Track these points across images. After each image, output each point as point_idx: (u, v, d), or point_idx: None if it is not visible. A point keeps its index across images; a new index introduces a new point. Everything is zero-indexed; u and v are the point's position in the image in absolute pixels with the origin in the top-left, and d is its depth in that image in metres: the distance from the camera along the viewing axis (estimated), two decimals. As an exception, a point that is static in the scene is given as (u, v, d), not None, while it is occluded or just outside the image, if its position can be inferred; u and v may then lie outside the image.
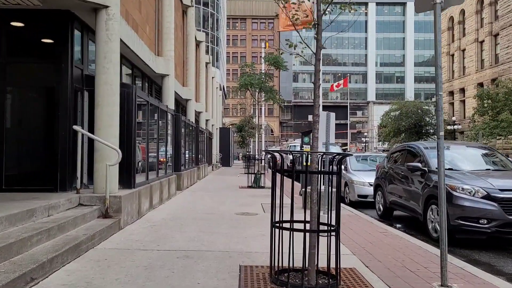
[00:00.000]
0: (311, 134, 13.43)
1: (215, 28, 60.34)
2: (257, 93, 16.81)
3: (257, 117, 22.31)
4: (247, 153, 56.12)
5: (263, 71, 16.95)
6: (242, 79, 16.13)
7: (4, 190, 7.10)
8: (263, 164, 17.54)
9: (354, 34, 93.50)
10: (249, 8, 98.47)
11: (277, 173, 4.85)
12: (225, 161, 40.56)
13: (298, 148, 28.96)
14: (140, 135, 9.27)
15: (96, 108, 7.16)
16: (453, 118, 43.92)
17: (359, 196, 11.65)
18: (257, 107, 17.15)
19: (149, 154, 9.77)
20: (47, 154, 7.31)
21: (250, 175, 16.70)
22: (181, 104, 20.44)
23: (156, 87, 14.71)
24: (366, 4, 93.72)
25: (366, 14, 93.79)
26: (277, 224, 4.49)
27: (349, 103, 79.45)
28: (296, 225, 4.44)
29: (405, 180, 8.72)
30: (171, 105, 13.07)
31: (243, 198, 12.41)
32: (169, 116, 12.46)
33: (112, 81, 7.14)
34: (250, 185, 16.55)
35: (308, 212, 4.60)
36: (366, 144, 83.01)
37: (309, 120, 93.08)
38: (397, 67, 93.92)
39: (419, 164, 8.11)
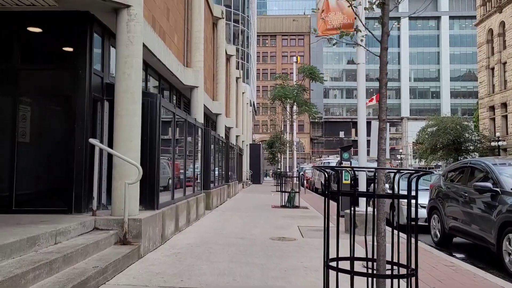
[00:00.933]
0: (351, 149, 12.30)
1: (246, 44, 60.18)
2: (289, 106, 15.83)
3: (292, 132, 21.29)
4: (279, 170, 55.00)
5: (295, 83, 15.98)
6: (275, 91, 15.23)
7: (14, 211, 6.36)
8: (295, 181, 16.43)
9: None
10: (279, 25, 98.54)
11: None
12: (256, 178, 39.59)
13: (333, 165, 27.72)
14: (165, 150, 8.44)
15: (115, 119, 6.36)
16: (497, 134, 41.46)
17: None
18: (290, 120, 16.15)
19: (175, 171, 8.93)
20: (61, 171, 6.54)
21: (283, 193, 15.64)
22: (211, 119, 19.71)
23: (185, 100, 13.99)
24: (398, 18, 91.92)
25: (398, 28, 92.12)
26: (333, 264, 3.43)
27: (382, 119, 77.35)
28: (357, 265, 3.36)
29: (470, 203, 7.50)
30: (200, 119, 12.27)
31: (278, 220, 11.36)
32: (198, 131, 11.64)
33: (133, 89, 6.34)
34: (283, 204, 15.49)
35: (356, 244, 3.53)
36: (401, 161, 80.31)
37: (340, 136, 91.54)
38: (432, 82, 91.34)
39: (489, 185, 6.89)
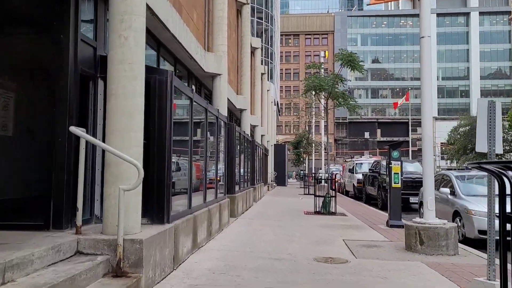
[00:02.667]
0: (400, 147, 10.27)
1: (270, 42, 58.41)
2: (323, 99, 13.88)
3: (326, 128, 19.32)
4: (302, 171, 52.93)
5: (331, 73, 14.00)
6: (309, 81, 13.31)
7: (-25, 225, 4.68)
8: (327, 184, 14.50)
9: (413, 47, 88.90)
10: (302, 24, 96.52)
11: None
12: (280, 180, 37.70)
13: (365, 167, 25.48)
14: (180, 146, 6.67)
15: (108, 101, 4.63)
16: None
17: (480, 232, 8.33)
18: (325, 115, 14.17)
19: (193, 173, 7.16)
20: (36, 173, 4.84)
21: (317, 198, 13.72)
22: (234, 116, 17.96)
23: (206, 92, 12.25)
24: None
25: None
26: None
27: (410, 119, 74.50)
28: None
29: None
30: (224, 112, 10.51)
31: (316, 231, 9.47)
32: (221, 125, 9.87)
33: (133, 59, 4.59)
34: (317, 210, 13.57)
35: None
36: (430, 162, 76.82)
37: (365, 137, 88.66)
38: (461, 81, 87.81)
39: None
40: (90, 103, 5.29)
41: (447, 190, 9.75)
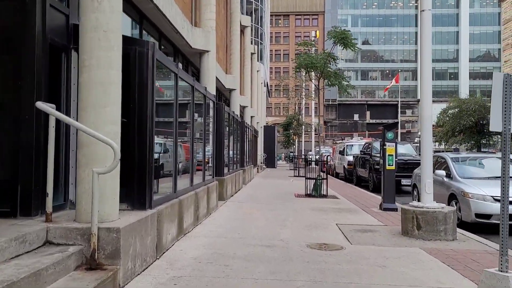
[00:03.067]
0: (395, 128, 9.91)
1: (260, 23, 57.36)
2: (315, 78, 13.40)
3: (318, 108, 18.87)
4: (291, 153, 52.58)
5: (324, 51, 13.49)
6: (300, 59, 12.80)
7: None
8: (317, 166, 14.15)
9: (403, 28, 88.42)
10: (292, 4, 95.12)
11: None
12: (270, 162, 37.39)
13: (356, 149, 25.17)
14: (164, 125, 6.21)
15: (80, 73, 4.12)
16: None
17: (477, 215, 8.04)
18: (317, 95, 13.71)
19: (179, 154, 6.71)
20: (2, 154, 4.35)
21: (308, 180, 13.38)
22: (223, 96, 17.45)
23: (194, 70, 11.71)
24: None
25: (416, 7, 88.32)
26: None
27: (399, 101, 74.50)
28: None
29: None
30: (212, 91, 10.01)
31: (308, 214, 9.13)
32: (209, 104, 9.38)
33: (109, 25, 4.08)
34: (308, 193, 13.25)
35: None
36: (418, 144, 77.48)
37: (354, 119, 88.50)
38: (450, 63, 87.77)
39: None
40: (63, 77, 4.78)
41: (442, 172, 9.44)
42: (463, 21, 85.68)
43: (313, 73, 13.28)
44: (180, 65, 10.47)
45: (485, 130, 49.64)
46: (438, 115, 55.87)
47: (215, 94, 10.17)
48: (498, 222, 7.98)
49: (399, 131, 73.32)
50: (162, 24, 8.20)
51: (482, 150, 51.03)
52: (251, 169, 20.27)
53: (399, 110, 77.05)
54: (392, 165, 9.94)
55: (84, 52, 4.07)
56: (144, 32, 7.78)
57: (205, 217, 8.14)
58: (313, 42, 14.46)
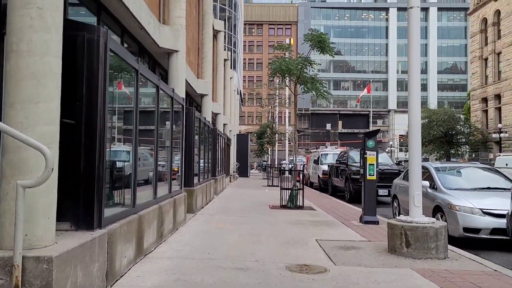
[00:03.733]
0: (376, 136, 9.34)
1: (233, 30, 56.85)
2: (292, 83, 12.76)
3: (286, 118, 18.22)
4: (265, 162, 51.79)
5: (300, 56, 12.87)
6: (275, 64, 12.14)
7: None
8: (291, 176, 13.51)
9: (375, 40, 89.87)
10: (266, 14, 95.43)
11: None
12: (243, 171, 36.59)
13: (331, 158, 24.69)
14: (120, 129, 5.39)
15: (7, 61, 3.28)
16: (499, 125, 39.20)
17: (465, 230, 7.50)
18: (294, 102, 13.05)
19: (141, 162, 5.88)
20: None
21: (284, 191, 12.68)
22: (195, 102, 16.63)
23: (162, 72, 10.87)
24: (387, 9, 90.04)
25: (386, 19, 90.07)
26: None
27: (371, 111, 75.29)
28: None
29: None
30: (181, 93, 9.19)
31: (284, 228, 8.39)
32: (178, 108, 8.57)
33: (44, 3, 3.26)
34: (284, 204, 12.55)
35: None
36: (390, 154, 78.17)
37: (327, 128, 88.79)
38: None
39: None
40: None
41: (426, 183, 8.88)
42: (432, 34, 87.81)
43: (287, 79, 12.59)
44: (146, 66, 9.64)
45: (453, 141, 50.53)
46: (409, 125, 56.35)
47: (184, 97, 9.36)
48: (488, 237, 7.52)
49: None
50: (124, 18, 7.38)
51: (451, 159, 51.88)
52: (223, 178, 19.45)
53: (371, 120, 77.88)
54: (373, 175, 9.35)
55: (13, 34, 3.24)
56: (103, 25, 6.93)
57: (171, 233, 7.29)
58: (290, 45, 13.79)
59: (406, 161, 55.14)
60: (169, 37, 9.23)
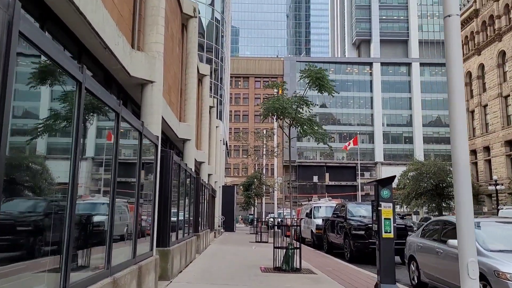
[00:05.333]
0: (392, 184, 7.69)
1: (220, 81, 56.41)
2: (287, 125, 11.24)
3: (275, 166, 16.58)
4: (251, 215, 49.25)
5: (295, 94, 11.42)
6: (268, 103, 10.65)
7: None
8: (280, 231, 11.70)
9: (360, 93, 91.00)
10: (252, 67, 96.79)
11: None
12: (228, 225, 34.39)
13: (324, 210, 22.78)
14: (59, 166, 3.65)
15: None
16: (495, 177, 38.11)
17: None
18: (289, 143, 11.46)
19: (91, 220, 4.09)
20: None
21: (278, 250, 10.78)
22: (176, 148, 14.95)
23: (136, 109, 9.24)
24: (370, 64, 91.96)
25: (370, 74, 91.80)
26: None
27: (359, 163, 74.39)
28: None
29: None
30: (155, 131, 7.53)
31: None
32: (150, 148, 6.88)
33: None
34: (277, 266, 10.62)
35: None
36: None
37: (314, 181, 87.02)
38: (404, 127, 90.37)
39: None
40: None
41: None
42: (415, 88, 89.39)
43: (279, 121, 11.08)
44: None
45: (444, 193, 49.26)
46: (399, 178, 55.37)
47: (159, 137, 7.68)
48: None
49: (359, 193, 72.30)
50: (84, 35, 5.84)
51: (443, 214, 50.34)
52: (207, 234, 17.40)
53: (359, 172, 76.74)
54: (390, 231, 7.62)
55: None
56: (52, 39, 5.34)
57: (133, 315, 5.35)
58: (284, 83, 12.40)
59: (408, 215, 53.51)
60: (143, 64, 7.70)
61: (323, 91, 10.59)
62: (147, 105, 7.88)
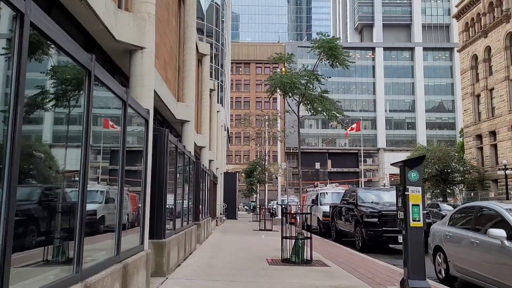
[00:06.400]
0: (421, 165, 6.61)
1: (222, 66, 55.12)
2: (295, 102, 10.12)
3: (278, 151, 15.51)
4: (253, 202, 48.24)
5: (305, 67, 10.24)
6: (275, 78, 9.50)
7: None
8: (298, 220, 10.69)
9: (362, 79, 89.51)
10: (253, 53, 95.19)
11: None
12: (230, 212, 33.44)
13: (330, 197, 21.75)
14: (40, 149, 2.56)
15: None
16: (504, 161, 37.01)
17: None
18: (297, 125, 10.35)
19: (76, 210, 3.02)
20: None
21: (286, 240, 9.77)
22: (174, 130, 13.86)
23: (124, 82, 8.13)
24: (373, 49, 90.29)
25: (373, 59, 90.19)
26: None
27: (362, 149, 73.31)
28: None
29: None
30: (147, 105, 6.44)
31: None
32: (142, 126, 5.81)
33: None
34: (286, 257, 9.63)
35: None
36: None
37: (316, 167, 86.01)
38: (407, 113, 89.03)
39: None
40: None
41: (501, 232, 6.12)
42: (418, 73, 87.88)
43: (288, 96, 9.95)
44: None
45: (449, 179, 48.25)
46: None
47: (151, 111, 6.60)
48: None
49: (362, 179, 71.30)
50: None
51: (447, 199, 49.39)
52: (208, 222, 16.42)
53: (362, 158, 75.70)
54: (419, 220, 6.56)
55: None
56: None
57: (116, 325, 4.32)
58: (291, 55, 11.20)
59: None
60: (131, 28, 6.58)
61: (335, 65, 9.42)
62: (136, 75, 6.77)
